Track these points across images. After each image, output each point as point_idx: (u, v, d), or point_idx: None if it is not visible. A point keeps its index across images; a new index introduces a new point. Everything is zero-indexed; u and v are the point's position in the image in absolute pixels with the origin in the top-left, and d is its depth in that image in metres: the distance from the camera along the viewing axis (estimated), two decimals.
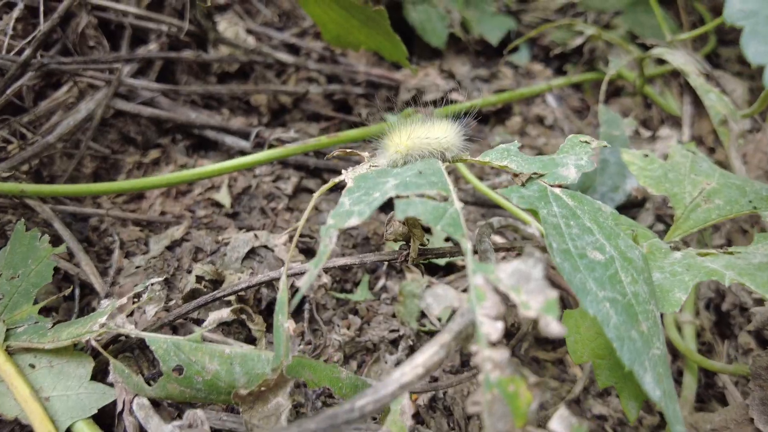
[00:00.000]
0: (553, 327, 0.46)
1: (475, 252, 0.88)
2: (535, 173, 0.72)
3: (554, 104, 1.61)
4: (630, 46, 1.57)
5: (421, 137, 0.77)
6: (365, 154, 0.78)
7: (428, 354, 0.51)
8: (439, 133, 0.79)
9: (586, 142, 0.77)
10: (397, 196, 0.60)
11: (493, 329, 0.47)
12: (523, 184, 0.71)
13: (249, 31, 1.58)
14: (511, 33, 1.80)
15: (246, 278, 0.89)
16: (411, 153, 0.76)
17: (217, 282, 0.91)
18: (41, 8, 1.32)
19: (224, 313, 0.71)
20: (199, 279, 0.88)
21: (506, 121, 1.53)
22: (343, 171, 0.73)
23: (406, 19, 1.64)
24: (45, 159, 1.23)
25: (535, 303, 0.48)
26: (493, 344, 0.47)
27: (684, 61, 1.50)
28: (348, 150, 0.77)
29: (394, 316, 1.01)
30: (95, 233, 1.13)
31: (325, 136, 1.04)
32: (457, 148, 0.81)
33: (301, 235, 1.08)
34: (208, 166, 0.98)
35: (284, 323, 0.62)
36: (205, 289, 0.88)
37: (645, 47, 1.90)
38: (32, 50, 1.20)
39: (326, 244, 0.58)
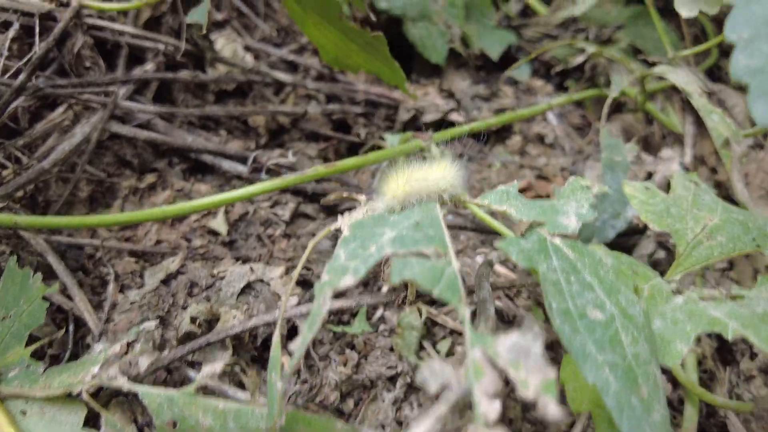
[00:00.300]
0: (551, 409, 0.45)
1: (472, 292, 0.87)
2: (535, 221, 0.70)
3: (555, 122, 1.60)
4: (632, 64, 1.55)
5: (419, 179, 0.76)
6: (362, 197, 0.77)
7: (423, 428, 0.50)
8: (437, 173, 0.78)
9: (587, 186, 0.75)
10: (394, 254, 0.59)
11: (491, 409, 0.46)
12: (522, 234, 0.69)
13: (247, 48, 1.56)
14: (512, 47, 1.78)
15: (241, 318, 0.88)
16: (408, 198, 0.75)
17: (211, 322, 0.89)
18: (36, 29, 1.31)
19: (217, 367, 0.70)
20: (193, 319, 0.87)
21: (506, 140, 1.51)
22: (339, 216, 0.72)
23: (405, 35, 1.63)
24: (40, 184, 1.21)
25: (534, 381, 0.47)
26: (491, 425, 0.46)
27: (686, 80, 1.48)
28: (345, 194, 0.76)
29: (392, 349, 1.00)
30: (90, 261, 1.11)
31: (322, 165, 1.03)
32: (456, 188, 0.80)
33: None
34: (204, 198, 0.96)
35: (278, 382, 0.61)
36: (200, 329, 0.87)
37: (647, 62, 1.89)
38: (27, 74, 1.18)
39: (320, 304, 0.57)
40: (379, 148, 1.45)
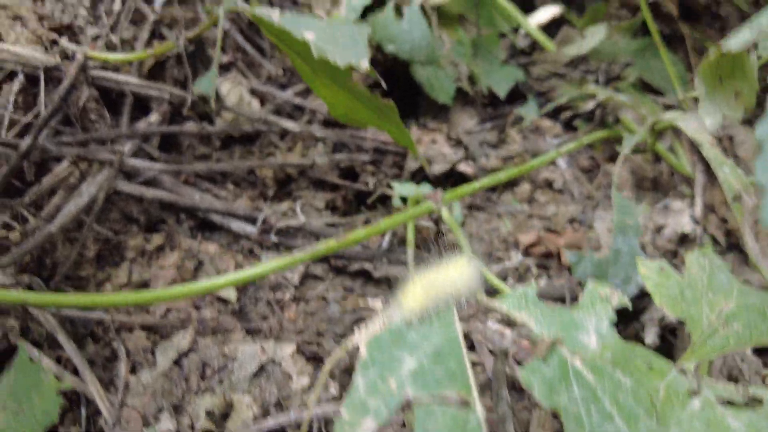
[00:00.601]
0: None
1: (487, 386, 0.87)
2: (555, 340, 0.70)
3: (563, 165, 1.59)
4: (642, 108, 1.54)
5: (436, 286, 0.75)
6: (377, 304, 0.76)
7: None
8: (454, 274, 0.77)
9: (606, 298, 0.74)
10: (416, 400, 0.58)
11: None
12: (543, 358, 0.69)
13: (253, 92, 1.54)
14: (519, 84, 1.77)
15: (256, 411, 0.88)
16: (426, 307, 0.74)
17: (226, 415, 0.89)
18: (42, 84, 1.30)
19: None
20: (208, 413, 0.87)
21: (515, 188, 1.50)
22: (355, 330, 0.71)
23: (413, 76, 1.61)
24: (47, 246, 1.20)
25: None
26: None
27: (697, 128, 1.47)
28: (360, 303, 0.75)
29: None
30: (100, 327, 1.11)
31: (334, 239, 1.02)
32: (473, 288, 0.79)
33: (307, 342, 1.06)
34: (214, 279, 0.95)
35: None
36: (215, 424, 0.87)
37: (658, 94, 1.87)
38: (33, 137, 1.17)
39: None
40: (387, 197, 1.44)
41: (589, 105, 1.54)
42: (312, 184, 1.46)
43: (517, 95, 1.78)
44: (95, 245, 1.25)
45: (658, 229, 1.43)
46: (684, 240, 1.36)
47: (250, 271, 0.97)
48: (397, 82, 1.71)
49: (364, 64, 1.00)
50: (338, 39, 1.04)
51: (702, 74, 1.03)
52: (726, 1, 2.36)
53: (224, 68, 1.56)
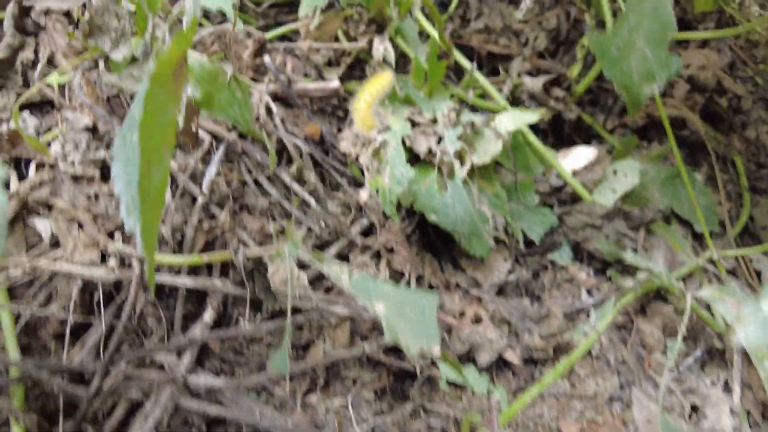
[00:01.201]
0: None
1: None
2: None
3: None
4: (678, 289, 1.58)
5: None
6: None
7: None
8: None
9: None
10: None
11: None
12: None
13: (300, 265, 1.56)
14: (554, 230, 1.80)
15: None
16: None
17: None
18: (101, 301, 1.32)
19: None
20: None
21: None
22: None
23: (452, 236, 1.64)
24: None
25: None
26: None
27: (736, 312, 1.51)
28: None
29: None
30: None
31: None
32: None
33: None
34: None
35: None
36: None
37: (688, 225, 1.91)
38: (99, 381, 1.20)
39: None
40: (434, 378, 1.49)
41: (629, 283, 1.57)
42: (359, 364, 1.50)
43: (551, 233, 1.82)
44: None
45: (693, 410, 1.48)
46: None
47: None
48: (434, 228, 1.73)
49: (436, 351, 1.03)
50: (408, 312, 1.07)
51: None
52: (746, 97, 2.38)
53: (269, 238, 1.58)
